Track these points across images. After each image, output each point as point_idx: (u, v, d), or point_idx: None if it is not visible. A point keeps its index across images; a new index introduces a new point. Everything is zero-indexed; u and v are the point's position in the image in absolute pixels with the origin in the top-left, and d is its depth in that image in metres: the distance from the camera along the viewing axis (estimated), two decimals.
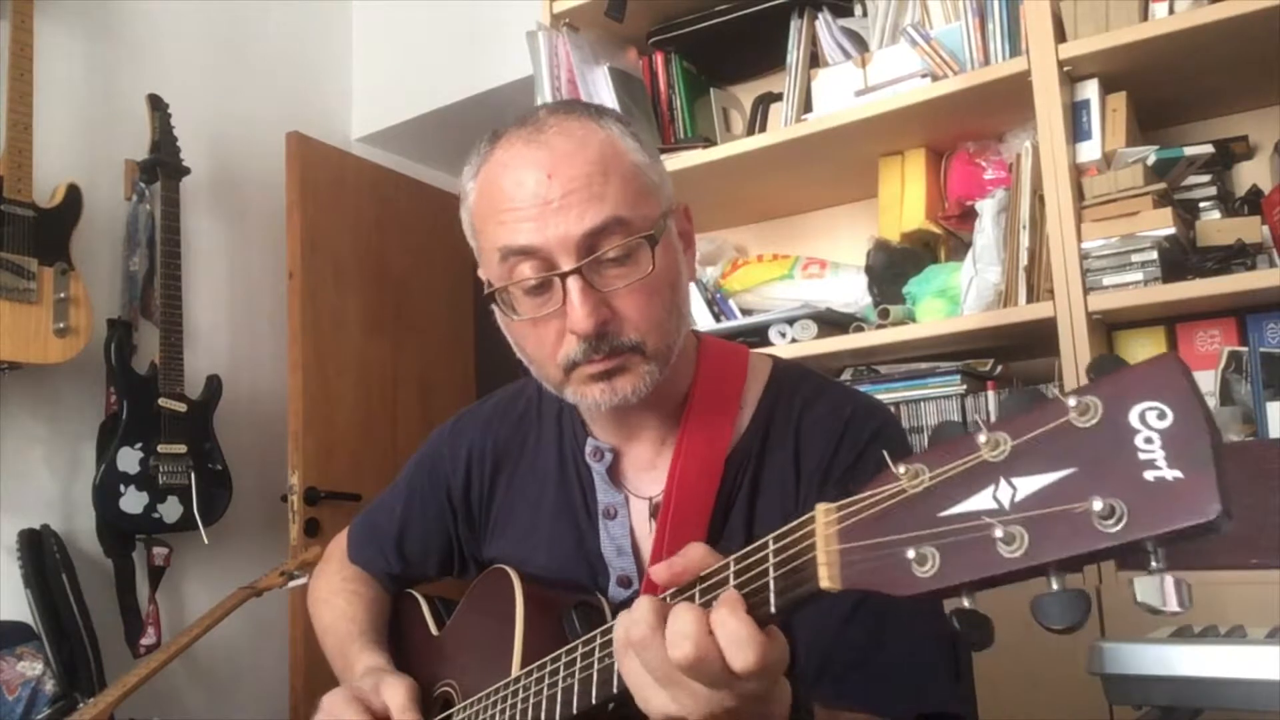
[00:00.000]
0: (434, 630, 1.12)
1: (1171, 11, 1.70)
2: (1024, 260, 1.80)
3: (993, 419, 0.54)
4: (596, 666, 0.76)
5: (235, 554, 2.82)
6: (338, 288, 3.13)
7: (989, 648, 0.54)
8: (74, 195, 2.49)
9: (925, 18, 2.00)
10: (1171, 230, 1.67)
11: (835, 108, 2.02)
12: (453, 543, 1.14)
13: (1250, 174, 1.91)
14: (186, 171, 2.76)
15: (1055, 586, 0.51)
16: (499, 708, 0.89)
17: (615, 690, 0.74)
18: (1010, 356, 1.99)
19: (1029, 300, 1.79)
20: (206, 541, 2.66)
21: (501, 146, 0.91)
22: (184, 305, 2.69)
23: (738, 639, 0.61)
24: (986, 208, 1.87)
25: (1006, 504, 0.51)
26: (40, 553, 2.42)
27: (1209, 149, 1.81)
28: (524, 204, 0.86)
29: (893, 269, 2.02)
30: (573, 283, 0.85)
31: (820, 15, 2.13)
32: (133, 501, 2.53)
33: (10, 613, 2.37)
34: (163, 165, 2.70)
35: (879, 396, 1.77)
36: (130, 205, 2.73)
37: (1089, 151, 1.78)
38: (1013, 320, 1.79)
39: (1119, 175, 1.72)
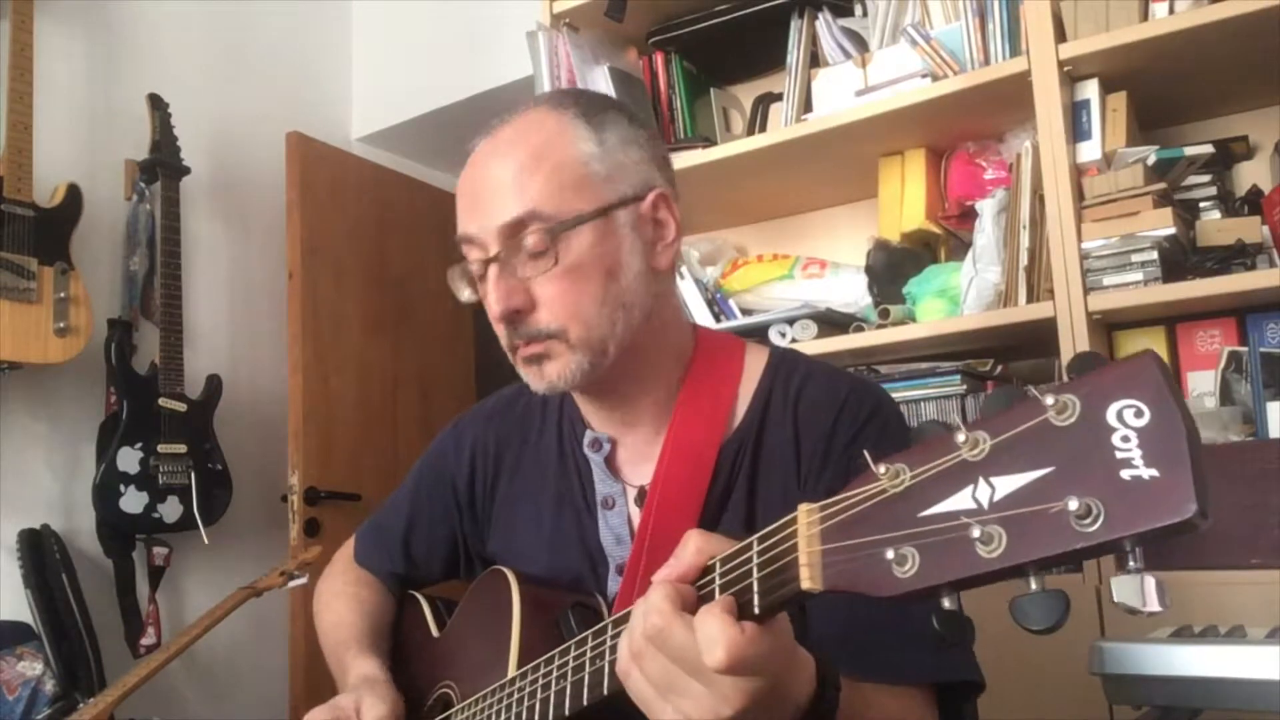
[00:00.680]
0: (435, 631, 1.12)
1: (1171, 11, 1.70)
2: (1024, 260, 1.80)
3: (989, 399, 0.54)
4: (588, 669, 0.76)
5: (235, 554, 2.82)
6: (338, 288, 3.13)
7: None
8: (74, 195, 2.49)
9: (925, 18, 2.00)
10: (1171, 230, 1.67)
11: (835, 108, 2.02)
12: (458, 542, 1.15)
13: (1250, 174, 1.91)
14: (186, 171, 2.77)
15: (1035, 587, 0.50)
16: (495, 709, 0.89)
17: (606, 692, 0.74)
18: (1010, 356, 1.99)
19: (1029, 300, 1.79)
20: (206, 541, 2.66)
21: (480, 137, 0.97)
22: (184, 305, 2.69)
23: (708, 636, 0.61)
24: (986, 208, 1.87)
25: (985, 503, 0.51)
26: (40, 553, 2.42)
27: (1209, 149, 1.81)
28: (465, 194, 0.94)
29: (893, 269, 2.02)
30: (491, 270, 0.91)
31: (820, 15, 2.13)
32: (133, 501, 2.53)
33: (10, 613, 2.37)
34: (163, 165, 2.70)
35: None
36: (130, 205, 2.73)
37: (1089, 151, 1.78)
38: (1013, 320, 1.79)
39: (1119, 175, 1.72)
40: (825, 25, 2.12)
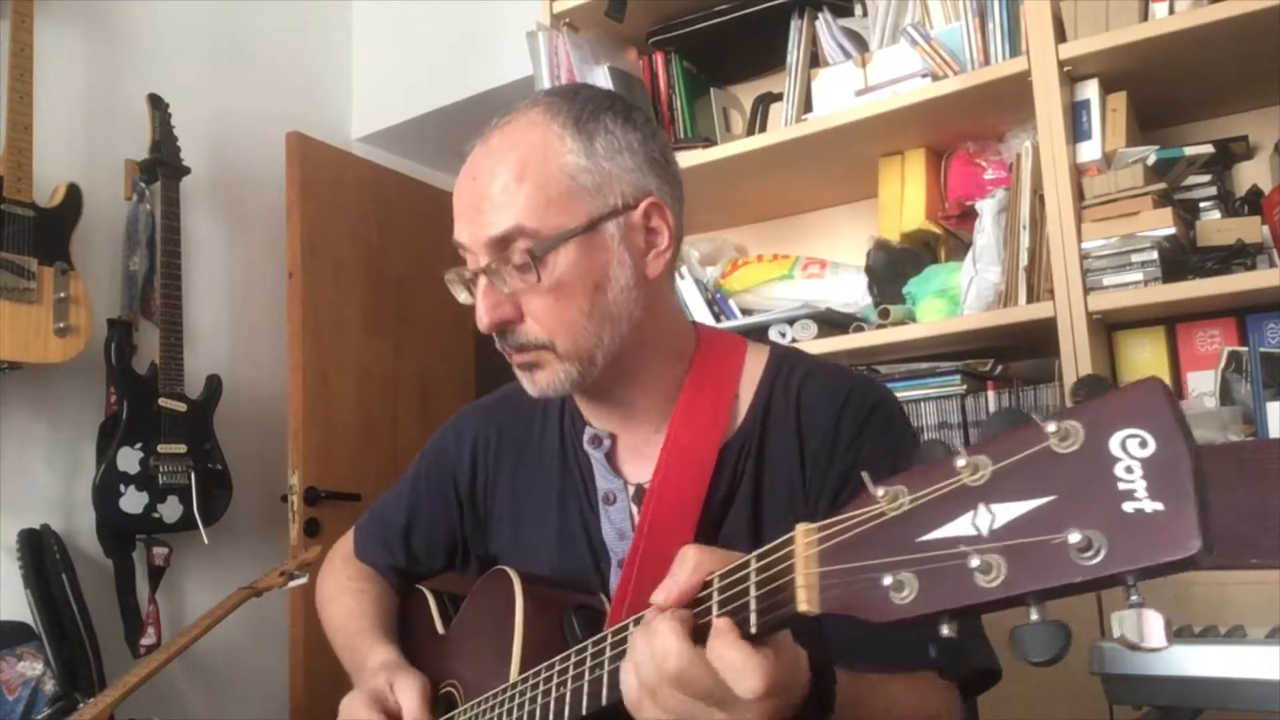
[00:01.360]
0: (440, 628, 1.12)
1: (1171, 11, 1.70)
2: (1024, 260, 1.80)
3: (991, 420, 0.54)
4: (588, 677, 0.77)
5: (235, 554, 2.82)
6: (338, 288, 3.13)
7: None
8: (74, 195, 2.49)
9: (925, 18, 2.00)
10: (1171, 230, 1.67)
11: (835, 108, 2.02)
12: (457, 537, 1.15)
13: (1250, 174, 1.91)
14: (186, 171, 2.76)
15: (1035, 617, 0.49)
16: (496, 712, 0.89)
17: (606, 702, 0.74)
18: (1010, 356, 1.99)
19: (1029, 300, 1.79)
20: (207, 541, 2.66)
21: (474, 139, 0.96)
22: (184, 305, 2.69)
23: (735, 668, 0.61)
24: (986, 208, 1.87)
25: (985, 531, 0.50)
26: (40, 553, 2.42)
27: (1209, 149, 1.81)
28: (459, 203, 0.95)
29: (893, 269, 2.02)
30: (480, 282, 0.92)
31: (820, 15, 2.13)
32: (133, 501, 2.53)
33: (10, 613, 2.37)
34: (163, 165, 2.70)
35: None
36: (130, 205, 2.72)
37: (1089, 151, 1.78)
38: (1013, 320, 1.79)
39: (1119, 175, 1.72)
40: (825, 25, 2.12)
